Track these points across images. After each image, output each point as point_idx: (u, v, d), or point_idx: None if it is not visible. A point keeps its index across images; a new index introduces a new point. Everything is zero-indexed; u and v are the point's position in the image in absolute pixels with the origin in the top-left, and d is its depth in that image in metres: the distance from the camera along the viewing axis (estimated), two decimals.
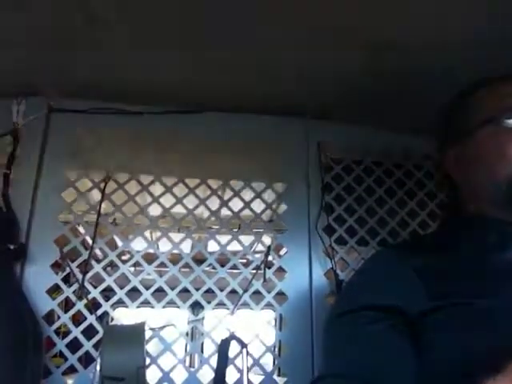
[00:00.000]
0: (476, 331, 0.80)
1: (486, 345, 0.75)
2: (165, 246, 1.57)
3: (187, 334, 1.51)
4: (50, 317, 1.42)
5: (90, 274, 1.47)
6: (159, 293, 1.49)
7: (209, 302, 1.51)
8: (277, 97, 1.61)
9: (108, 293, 1.46)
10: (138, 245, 1.54)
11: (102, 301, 1.46)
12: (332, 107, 1.64)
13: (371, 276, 1.00)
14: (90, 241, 1.50)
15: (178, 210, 1.58)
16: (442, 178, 1.13)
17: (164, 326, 1.46)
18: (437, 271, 0.90)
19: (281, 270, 1.57)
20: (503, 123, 0.97)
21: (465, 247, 0.97)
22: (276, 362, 1.53)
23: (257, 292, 1.54)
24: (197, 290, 1.51)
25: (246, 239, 1.61)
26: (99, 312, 1.44)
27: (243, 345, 1.43)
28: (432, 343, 0.85)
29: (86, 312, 1.44)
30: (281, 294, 1.54)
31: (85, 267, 1.45)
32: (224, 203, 1.63)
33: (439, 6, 1.15)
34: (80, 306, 1.44)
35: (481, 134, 1.00)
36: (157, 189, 1.60)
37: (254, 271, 1.56)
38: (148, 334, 1.41)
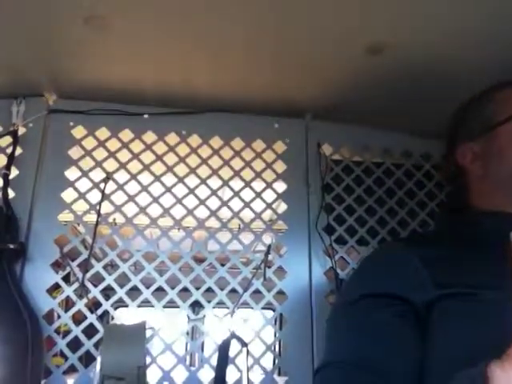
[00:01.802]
0: (480, 322, 0.80)
1: (490, 335, 0.75)
2: (165, 246, 1.56)
3: (187, 333, 1.51)
4: (50, 316, 1.42)
5: (90, 273, 1.47)
6: (159, 292, 1.49)
7: (209, 302, 1.51)
8: (277, 97, 1.61)
9: (108, 292, 1.46)
10: (138, 244, 1.54)
11: (102, 300, 1.46)
12: (332, 107, 1.65)
13: (377, 265, 1.00)
14: (90, 240, 1.50)
15: (178, 209, 1.58)
16: (454, 174, 1.13)
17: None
18: (443, 261, 0.91)
19: (281, 269, 1.57)
20: None
21: (471, 240, 0.98)
22: (276, 362, 1.53)
23: (257, 291, 1.54)
24: (197, 289, 1.51)
25: (246, 238, 1.61)
26: (99, 311, 1.44)
27: (243, 344, 1.42)
28: (437, 332, 0.85)
29: (86, 311, 1.43)
30: (281, 294, 1.54)
31: (85, 266, 1.45)
32: (224, 203, 1.63)
33: (439, 6, 1.15)
34: (80, 305, 1.44)
35: (504, 130, 1.02)
36: (157, 189, 1.60)
37: (254, 270, 1.56)
38: (148, 333, 1.41)
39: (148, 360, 1.39)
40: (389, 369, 0.83)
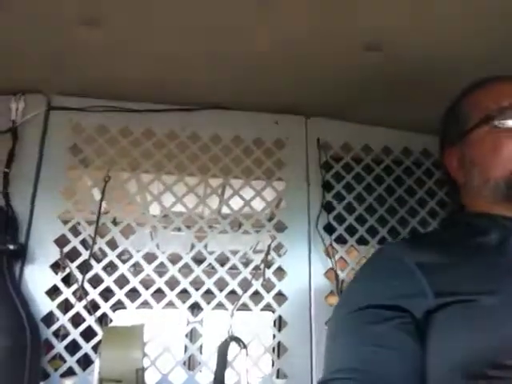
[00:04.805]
0: (481, 329, 0.79)
1: (492, 343, 0.75)
2: (164, 246, 1.56)
3: (186, 335, 1.51)
4: (49, 319, 1.42)
5: (89, 275, 1.46)
6: (158, 294, 1.48)
7: (208, 303, 1.50)
8: (276, 95, 1.60)
9: (107, 293, 1.46)
10: (138, 244, 1.53)
11: (101, 302, 1.45)
12: (332, 105, 1.64)
13: (376, 274, 0.98)
14: (90, 240, 1.49)
15: (178, 208, 1.58)
16: (447, 179, 1.12)
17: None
18: (441, 268, 0.89)
19: (280, 269, 1.57)
20: (498, 122, 0.97)
21: (468, 244, 0.97)
22: (275, 364, 1.53)
23: (256, 293, 1.53)
24: (196, 290, 1.50)
25: (246, 238, 1.61)
26: (98, 313, 1.43)
27: (242, 346, 1.43)
28: (438, 339, 0.84)
29: (85, 313, 1.43)
30: (280, 295, 1.54)
31: (85, 267, 1.44)
32: (224, 202, 1.62)
33: (439, 6, 1.14)
34: (79, 307, 1.43)
35: (477, 135, 1.00)
36: (157, 188, 1.59)
37: (254, 271, 1.55)
38: (147, 335, 1.41)
39: (147, 362, 1.39)
40: (392, 382, 0.83)
